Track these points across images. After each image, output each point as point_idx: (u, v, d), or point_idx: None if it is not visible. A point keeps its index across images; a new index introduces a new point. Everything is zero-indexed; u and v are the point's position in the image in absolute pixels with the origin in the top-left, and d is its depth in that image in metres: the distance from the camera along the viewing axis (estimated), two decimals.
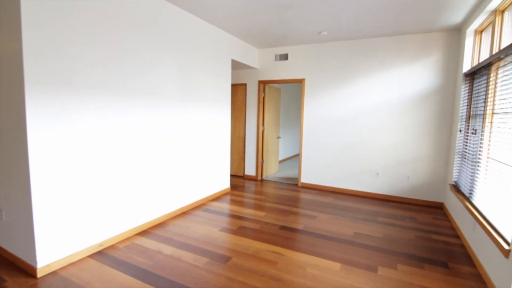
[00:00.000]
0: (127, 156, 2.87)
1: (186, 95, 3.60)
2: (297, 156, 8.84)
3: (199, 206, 3.94)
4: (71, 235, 2.43)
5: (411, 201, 4.38)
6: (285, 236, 3.04)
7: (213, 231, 3.12)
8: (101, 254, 2.58)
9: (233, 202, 4.16)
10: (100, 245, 2.67)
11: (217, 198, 4.34)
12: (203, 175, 4.06)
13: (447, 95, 4.07)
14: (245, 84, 5.64)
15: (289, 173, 6.30)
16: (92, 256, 2.55)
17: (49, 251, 2.28)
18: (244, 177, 5.78)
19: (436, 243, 2.97)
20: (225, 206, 3.97)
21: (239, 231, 3.12)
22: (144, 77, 2.98)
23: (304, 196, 4.56)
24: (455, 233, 3.25)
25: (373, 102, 4.52)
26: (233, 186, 5.04)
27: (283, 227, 3.26)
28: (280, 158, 7.79)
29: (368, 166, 4.63)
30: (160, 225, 3.25)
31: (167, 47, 3.25)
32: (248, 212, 3.75)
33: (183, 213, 3.64)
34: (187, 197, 3.77)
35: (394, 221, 3.55)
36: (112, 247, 2.72)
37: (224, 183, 4.60)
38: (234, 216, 3.57)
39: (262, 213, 3.70)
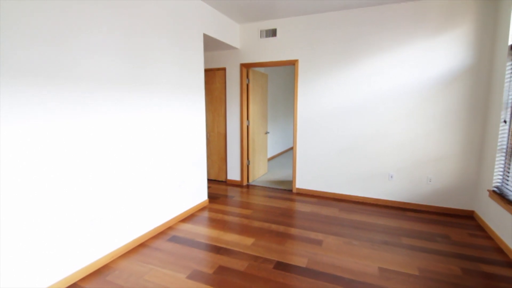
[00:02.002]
0: (41, 168, 1.80)
1: (135, 80, 2.53)
2: (288, 152, 7.91)
3: (164, 231, 2.92)
4: None
5: (434, 209, 3.54)
6: (284, 281, 2.09)
7: (178, 279, 2.13)
8: None
9: (211, 222, 3.17)
10: None
11: (190, 216, 3.33)
12: (168, 187, 3.03)
13: (480, 76, 3.20)
14: (224, 69, 4.59)
15: (280, 174, 5.35)
16: None
17: None
18: (227, 183, 4.78)
19: (494, 281, 2.11)
20: (199, 230, 2.97)
21: (217, 278, 2.14)
22: (62, 53, 1.89)
23: (302, 207, 3.63)
24: (508, 260, 2.41)
25: (386, 88, 3.60)
26: (212, 197, 4.04)
27: (279, 265, 2.31)
28: (269, 155, 6.83)
29: (380, 168, 3.75)
30: (100, 271, 2.22)
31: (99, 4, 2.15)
32: (230, 239, 2.77)
33: (140, 246, 2.61)
34: (145, 221, 2.74)
35: (424, 243, 2.68)
36: None
37: (199, 194, 3.59)
38: (211, 248, 2.59)
39: (249, 240, 2.73)
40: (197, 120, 3.44)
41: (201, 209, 3.56)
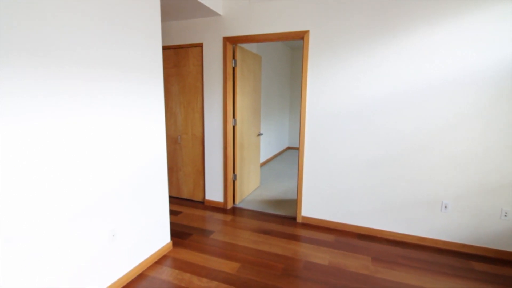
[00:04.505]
0: None
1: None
2: (283, 154, 6.65)
3: None
4: None
5: (510, 256, 2.40)
6: None
7: None
8: None
9: None
10: None
11: (136, 281, 2.03)
12: (94, 240, 1.72)
13: None
14: (200, 45, 3.25)
15: (277, 188, 4.10)
16: None
17: None
18: (205, 204, 3.49)
19: None
20: None
21: None
22: None
23: (315, 254, 2.40)
24: None
25: (439, 76, 2.38)
26: (180, 234, 2.75)
27: None
28: (261, 159, 5.56)
29: (428, 192, 2.55)
30: None
31: None
32: None
33: None
34: None
35: None
36: None
37: (155, 238, 2.29)
38: None
39: None
40: (149, 123, 2.12)
41: (157, 261, 2.26)
